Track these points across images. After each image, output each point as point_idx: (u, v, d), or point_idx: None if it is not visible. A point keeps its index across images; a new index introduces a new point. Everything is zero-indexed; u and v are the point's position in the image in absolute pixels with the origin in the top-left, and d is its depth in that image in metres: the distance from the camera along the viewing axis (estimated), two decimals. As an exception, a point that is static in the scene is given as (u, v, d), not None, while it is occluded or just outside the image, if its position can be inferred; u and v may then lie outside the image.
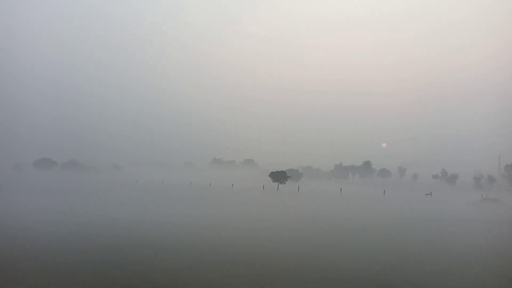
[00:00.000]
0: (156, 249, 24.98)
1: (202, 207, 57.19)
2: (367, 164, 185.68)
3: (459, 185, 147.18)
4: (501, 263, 22.93)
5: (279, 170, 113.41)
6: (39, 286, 16.64)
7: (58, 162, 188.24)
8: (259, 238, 30.44)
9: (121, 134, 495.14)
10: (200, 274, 18.90)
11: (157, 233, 31.75)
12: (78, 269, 19.35)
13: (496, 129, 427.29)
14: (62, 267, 19.83)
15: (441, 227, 39.48)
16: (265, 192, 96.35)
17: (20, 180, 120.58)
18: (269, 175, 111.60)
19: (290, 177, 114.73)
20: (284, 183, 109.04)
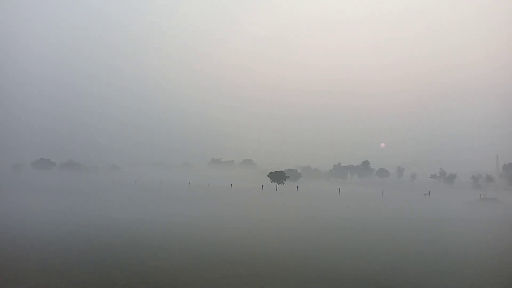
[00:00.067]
0: (156, 249, 24.98)
1: (201, 207, 57.18)
2: (365, 164, 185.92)
3: (457, 184, 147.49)
4: (501, 263, 23.00)
5: (278, 170, 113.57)
6: (39, 286, 16.64)
7: (56, 163, 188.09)
8: (259, 238, 30.46)
9: (119, 135, 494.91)
10: (199, 274, 18.91)
11: (157, 233, 31.74)
12: (78, 269, 19.34)
13: (494, 129, 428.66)
14: (62, 267, 19.82)
15: (440, 227, 39.56)
16: (264, 192, 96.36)
17: (19, 180, 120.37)
18: (267, 175, 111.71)
19: (288, 177, 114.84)
20: (283, 183, 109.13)
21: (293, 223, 41.19)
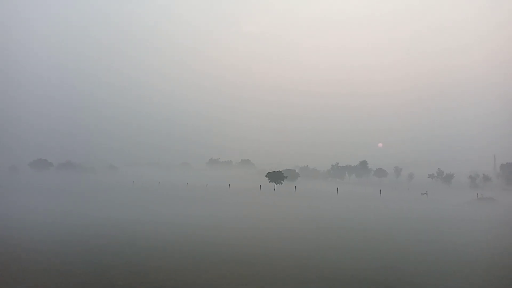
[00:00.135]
0: (154, 250, 24.99)
1: (200, 207, 57.17)
2: (363, 164, 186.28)
3: (455, 184, 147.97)
4: (500, 263, 23.12)
5: (276, 170, 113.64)
6: (39, 286, 16.64)
7: (54, 163, 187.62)
8: (258, 238, 30.50)
9: (117, 135, 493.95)
10: (198, 274, 18.94)
11: (155, 234, 31.74)
12: (77, 270, 19.34)
13: (491, 129, 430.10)
14: (61, 267, 19.82)
15: (439, 227, 39.70)
16: (262, 192, 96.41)
17: (16, 181, 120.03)
18: (265, 175, 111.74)
19: (286, 177, 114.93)
20: (281, 183, 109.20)
21: (292, 223, 41.24)
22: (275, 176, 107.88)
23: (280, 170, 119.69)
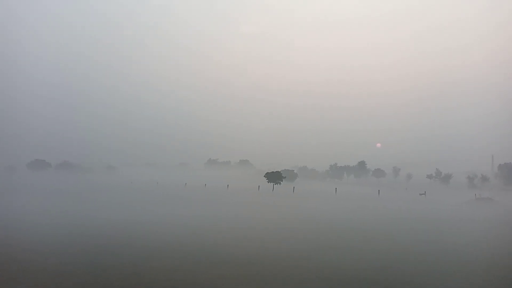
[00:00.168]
0: (152, 250, 24.96)
1: (198, 207, 57.12)
2: (361, 164, 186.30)
3: (453, 184, 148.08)
4: (499, 263, 23.18)
5: (274, 171, 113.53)
6: (38, 286, 16.61)
7: (52, 163, 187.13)
8: (256, 239, 30.48)
9: (115, 135, 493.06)
10: (196, 275, 18.91)
11: (153, 234, 31.71)
12: (75, 270, 19.30)
13: (489, 129, 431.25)
14: (60, 267, 19.78)
15: (438, 227, 39.76)
16: (260, 192, 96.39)
17: (14, 181, 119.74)
18: (264, 176, 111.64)
19: (285, 177, 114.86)
20: (279, 183, 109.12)
21: (291, 223, 41.23)
22: (274, 177, 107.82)
23: (279, 170, 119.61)
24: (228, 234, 32.64)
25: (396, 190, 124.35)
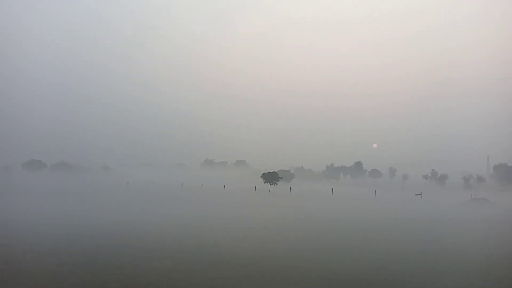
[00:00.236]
0: (149, 251, 24.90)
1: (195, 208, 57.05)
2: (358, 164, 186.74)
3: (449, 185, 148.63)
4: (498, 263, 23.30)
5: (271, 171, 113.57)
6: (39, 286, 16.57)
7: (47, 164, 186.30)
8: (255, 239, 30.48)
9: (111, 135, 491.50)
10: (193, 276, 18.88)
11: (150, 235, 31.63)
12: (73, 271, 19.25)
13: (486, 129, 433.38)
14: (57, 268, 19.72)
15: (434, 227, 39.94)
16: (257, 193, 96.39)
17: (10, 182, 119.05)
18: (261, 176, 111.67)
19: (282, 178, 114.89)
20: (276, 184, 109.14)
21: (288, 224, 41.25)
22: (270, 177, 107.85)
23: (275, 170, 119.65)
24: (226, 234, 32.61)
25: (392, 191, 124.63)
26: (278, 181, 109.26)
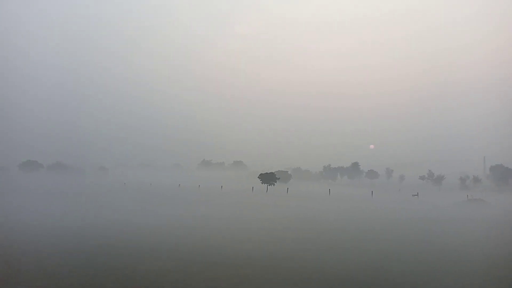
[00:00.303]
0: (146, 252, 24.89)
1: (192, 209, 56.99)
2: (355, 165, 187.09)
3: (445, 186, 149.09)
4: (492, 262, 23.42)
5: (268, 172, 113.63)
6: (38, 287, 16.55)
7: (44, 164, 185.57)
8: (252, 240, 30.48)
9: (107, 136, 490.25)
10: (190, 277, 18.88)
11: (147, 236, 31.61)
12: (69, 272, 19.24)
13: (482, 130, 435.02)
14: (54, 269, 19.70)
15: (431, 228, 40.10)
16: (254, 193, 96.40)
17: (6, 182, 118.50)
18: (258, 177, 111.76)
19: (279, 178, 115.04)
20: (273, 184, 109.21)
21: (285, 224, 41.26)
22: (268, 178, 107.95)
23: (273, 171, 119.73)
24: (223, 235, 32.62)
25: (389, 191, 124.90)
26: (276, 181, 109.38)
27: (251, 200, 76.48)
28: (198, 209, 55.85)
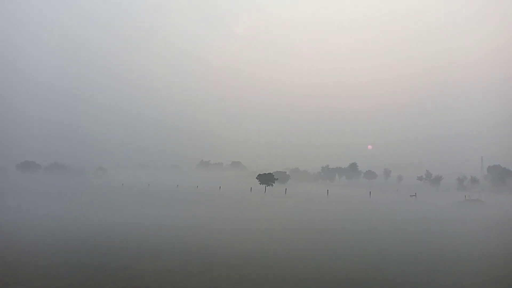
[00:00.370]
0: (144, 253, 24.89)
1: (190, 209, 56.97)
2: (353, 166, 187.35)
3: (443, 186, 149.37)
4: (490, 262, 23.52)
5: (267, 172, 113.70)
6: (38, 287, 16.59)
7: (42, 165, 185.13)
8: (250, 240, 30.51)
9: (105, 136, 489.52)
10: (189, 277, 18.92)
11: (145, 236, 31.60)
12: (67, 273, 19.23)
13: (480, 131, 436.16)
14: (51, 270, 19.69)
15: (429, 228, 40.21)
16: (252, 194, 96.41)
17: (4, 183, 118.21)
18: (256, 177, 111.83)
19: (277, 179, 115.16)
20: (272, 185, 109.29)
21: (284, 225, 41.30)
22: (266, 178, 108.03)
23: (271, 172, 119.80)
24: (222, 235, 32.64)
25: (387, 192, 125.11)
26: (274, 182, 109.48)
27: (249, 201, 76.50)
28: (196, 210, 55.85)
